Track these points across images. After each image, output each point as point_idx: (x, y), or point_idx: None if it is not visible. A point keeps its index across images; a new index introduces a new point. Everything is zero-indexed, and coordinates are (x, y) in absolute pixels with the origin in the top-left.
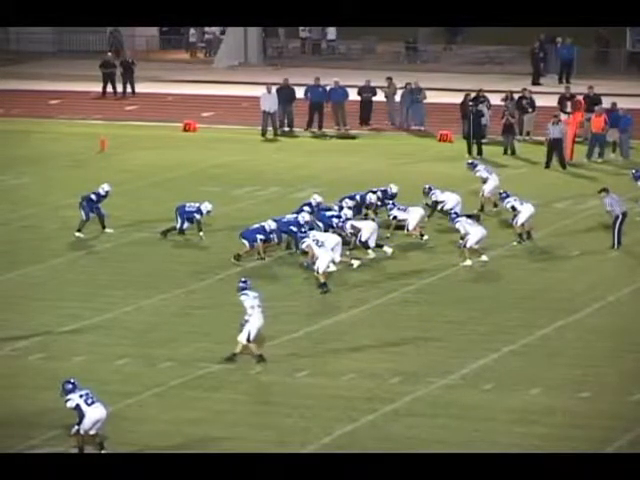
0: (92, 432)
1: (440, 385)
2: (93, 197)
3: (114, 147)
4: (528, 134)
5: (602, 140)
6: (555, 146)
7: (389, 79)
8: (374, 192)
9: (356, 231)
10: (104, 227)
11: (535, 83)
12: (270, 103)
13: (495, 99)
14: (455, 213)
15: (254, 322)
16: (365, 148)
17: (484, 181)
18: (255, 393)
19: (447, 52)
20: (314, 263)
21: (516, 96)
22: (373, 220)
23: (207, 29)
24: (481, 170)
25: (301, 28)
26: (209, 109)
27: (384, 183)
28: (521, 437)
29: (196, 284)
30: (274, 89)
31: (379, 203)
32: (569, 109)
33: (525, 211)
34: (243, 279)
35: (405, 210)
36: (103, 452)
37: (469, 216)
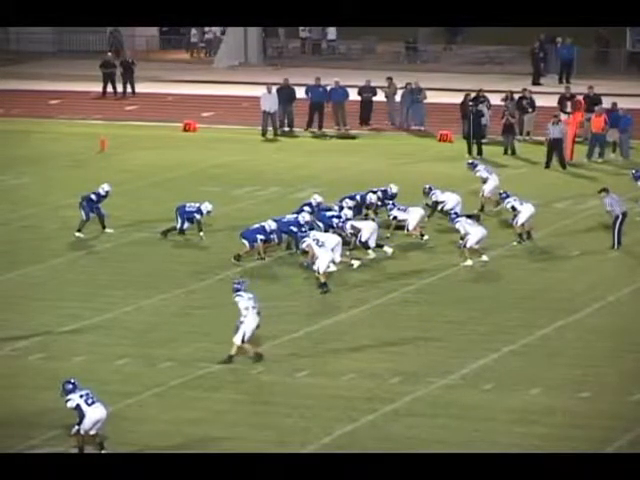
0: (92, 432)
1: (440, 385)
2: (93, 197)
3: (114, 147)
4: (528, 134)
5: (602, 140)
6: (555, 146)
7: (389, 79)
8: (374, 192)
9: (356, 231)
10: (104, 227)
11: (535, 83)
12: (270, 103)
13: (495, 99)
14: (455, 213)
15: (249, 323)
16: (365, 148)
17: (484, 181)
18: (255, 393)
19: (447, 52)
20: (314, 263)
21: (516, 96)
22: (373, 220)
23: (207, 29)
24: (481, 170)
25: (301, 28)
26: (209, 109)
27: (384, 183)
28: (521, 437)
29: (196, 284)
30: (274, 89)
31: (379, 203)
32: (569, 109)
33: (525, 211)
34: (238, 280)
35: (405, 210)
36: (103, 452)
37: (469, 216)
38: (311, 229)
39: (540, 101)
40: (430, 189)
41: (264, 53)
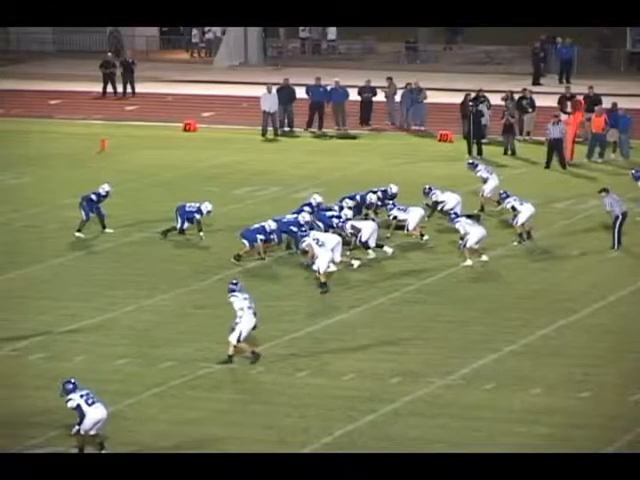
0: (92, 432)
1: (440, 385)
2: (93, 197)
3: (114, 147)
4: (528, 134)
5: (602, 140)
6: (555, 146)
7: (389, 79)
8: (374, 192)
9: (356, 231)
10: (104, 227)
11: (535, 83)
12: (270, 103)
13: (495, 99)
14: (455, 213)
15: (245, 323)
16: (365, 148)
17: (484, 181)
18: (255, 393)
19: (447, 52)
20: (314, 263)
21: (516, 96)
22: (373, 220)
23: (207, 29)
24: (482, 170)
25: (301, 28)
26: (209, 109)
27: (384, 183)
28: (521, 437)
29: (196, 284)
30: (274, 89)
31: (379, 203)
32: (569, 109)
33: (525, 211)
34: (234, 280)
35: (405, 210)
36: (103, 452)
37: (469, 216)
38: (311, 229)
39: (540, 101)
40: (430, 189)
41: (264, 53)
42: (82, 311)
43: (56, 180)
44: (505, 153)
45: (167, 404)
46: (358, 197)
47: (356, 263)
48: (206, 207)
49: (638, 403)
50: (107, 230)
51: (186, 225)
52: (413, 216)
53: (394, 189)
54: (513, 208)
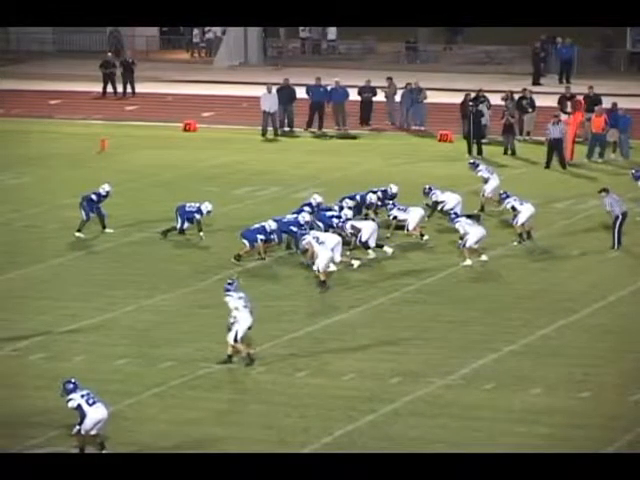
0: (93, 432)
1: (440, 385)
2: (94, 197)
3: (114, 147)
4: (528, 134)
5: (602, 140)
6: (555, 146)
7: (389, 79)
8: (374, 192)
9: (356, 231)
10: (104, 227)
11: (535, 83)
12: (270, 103)
13: (495, 99)
14: (455, 213)
15: (242, 323)
16: (365, 148)
17: (485, 181)
18: (255, 393)
19: (447, 52)
20: (314, 262)
21: (516, 96)
22: (373, 220)
23: (207, 29)
24: (483, 170)
25: (301, 28)
26: (209, 109)
27: (384, 183)
28: (521, 437)
29: (196, 284)
30: (274, 89)
31: (379, 203)
32: (569, 109)
33: (525, 211)
34: (229, 280)
35: (405, 210)
36: (103, 452)
37: (469, 216)
38: (311, 229)
39: (540, 101)
40: (430, 189)
41: (264, 53)
42: (82, 311)
43: (56, 180)
44: (505, 153)
45: (167, 404)
46: (358, 197)
47: (356, 263)
48: (206, 207)
49: (638, 403)
50: (107, 230)
51: (186, 225)
52: (413, 216)
53: (394, 189)
54: (513, 208)
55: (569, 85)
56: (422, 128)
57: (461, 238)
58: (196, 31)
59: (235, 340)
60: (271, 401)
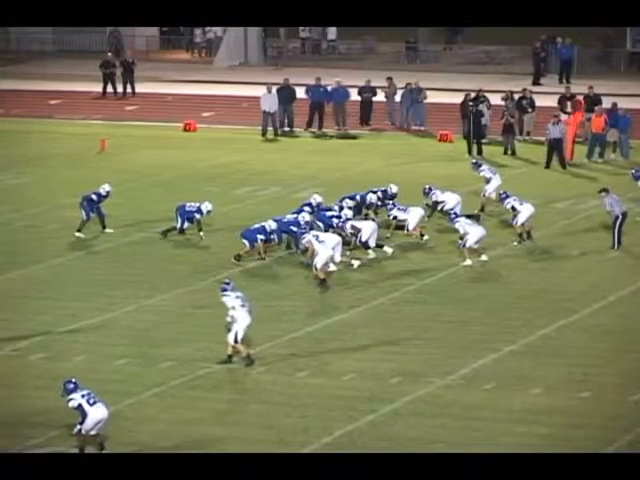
0: (93, 432)
1: (440, 385)
2: (94, 197)
3: (114, 147)
4: (528, 134)
5: (602, 140)
6: (555, 146)
7: (389, 79)
8: (374, 192)
9: (356, 231)
10: (104, 227)
11: (535, 83)
12: (270, 103)
13: (495, 99)
14: (454, 213)
15: (240, 322)
16: (365, 148)
17: (487, 181)
18: (255, 393)
19: (447, 52)
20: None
21: (516, 96)
22: (373, 220)
23: (208, 29)
24: (485, 170)
25: (301, 28)
26: (209, 109)
27: (384, 183)
28: (521, 437)
29: (196, 284)
30: (274, 89)
31: (379, 203)
32: (569, 109)
33: (525, 211)
34: (227, 280)
35: (405, 210)
36: (103, 452)
37: (469, 216)
38: (311, 229)
39: (540, 101)
40: (430, 189)
41: (264, 53)
42: (82, 311)
43: (56, 180)
44: (505, 153)
45: (167, 404)
46: (358, 197)
47: (356, 263)
48: (206, 207)
49: (638, 403)
50: (107, 230)
51: (186, 225)
52: (413, 216)
53: (394, 189)
54: (513, 208)
55: (569, 85)
56: (422, 128)
57: (461, 238)
58: (198, 31)
59: (235, 341)
60: (271, 401)
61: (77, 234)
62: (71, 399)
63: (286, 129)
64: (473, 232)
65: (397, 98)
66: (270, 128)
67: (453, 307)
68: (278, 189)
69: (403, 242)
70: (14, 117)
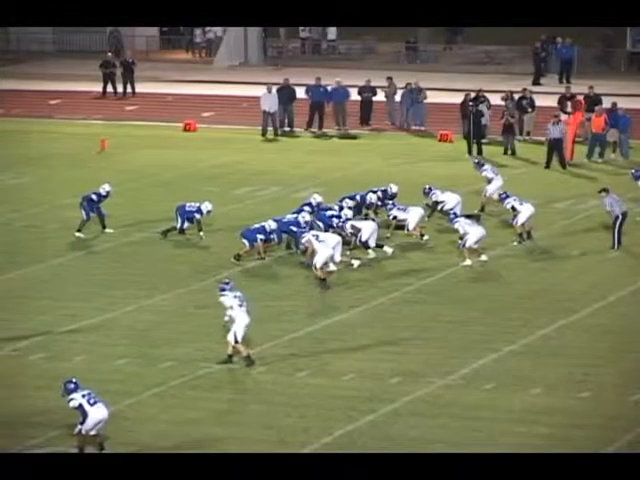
0: (93, 432)
1: (440, 385)
2: (94, 197)
3: (114, 147)
4: (528, 134)
5: (602, 140)
6: (555, 146)
7: (389, 79)
8: (374, 192)
9: (356, 231)
10: (104, 227)
11: (535, 83)
12: (270, 103)
13: (495, 99)
14: (454, 213)
15: (239, 322)
16: (365, 148)
17: (489, 181)
18: (255, 393)
19: (447, 52)
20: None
21: (516, 96)
22: (373, 220)
23: (208, 29)
24: (487, 170)
25: (301, 28)
26: (209, 109)
27: (384, 183)
28: (521, 437)
29: (196, 284)
30: (274, 89)
31: (379, 203)
32: (569, 109)
33: (525, 211)
34: (225, 280)
35: (405, 210)
36: (103, 452)
37: (468, 216)
38: (311, 229)
39: (540, 101)
40: (430, 189)
41: (264, 53)
42: (82, 311)
43: (56, 180)
44: (505, 153)
45: (167, 404)
46: (358, 197)
47: (356, 263)
48: (206, 207)
49: (638, 403)
50: (107, 230)
51: (186, 225)
52: (413, 216)
53: (394, 189)
54: (513, 208)
55: (569, 85)
56: (422, 128)
57: (461, 238)
58: (198, 31)
59: (236, 341)
60: (271, 401)
61: (77, 234)
62: (72, 399)
63: (286, 129)
64: (473, 232)
65: (397, 98)
66: (270, 128)
67: (453, 307)
68: (278, 189)
69: (403, 242)
70: (14, 117)
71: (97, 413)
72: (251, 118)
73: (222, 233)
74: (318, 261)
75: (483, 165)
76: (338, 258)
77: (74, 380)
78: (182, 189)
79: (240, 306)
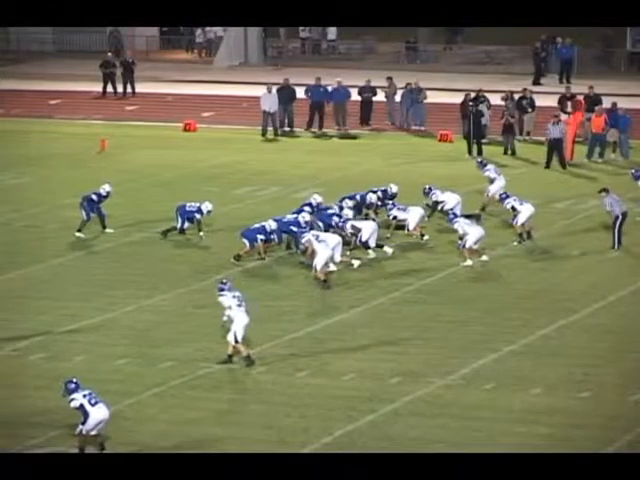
0: (94, 432)
1: (440, 385)
2: (94, 197)
3: (114, 147)
4: (528, 134)
5: (602, 140)
6: (555, 146)
7: (389, 79)
8: (374, 192)
9: (356, 231)
10: (104, 227)
11: (535, 83)
12: (270, 103)
13: (495, 99)
14: (454, 214)
15: (238, 322)
16: (365, 148)
17: (491, 181)
18: (255, 393)
19: (447, 52)
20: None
21: (516, 96)
22: (373, 220)
23: (208, 29)
24: (490, 170)
25: (301, 28)
26: (209, 109)
27: (384, 183)
28: (521, 437)
29: (196, 284)
30: (274, 89)
31: (379, 203)
32: (569, 109)
33: (525, 211)
34: (224, 280)
35: (405, 210)
36: (103, 452)
37: (468, 216)
38: (311, 229)
39: (540, 101)
40: (430, 189)
41: (264, 53)
42: (82, 311)
43: (56, 180)
44: (505, 153)
45: (167, 404)
46: (358, 197)
47: (356, 263)
48: (206, 207)
49: (638, 403)
50: (107, 230)
51: (186, 225)
52: (413, 216)
53: (394, 189)
54: (513, 208)
55: (569, 85)
56: (422, 128)
57: (460, 238)
58: (198, 31)
59: (236, 341)
60: (271, 401)
61: (77, 234)
62: (73, 399)
63: (286, 129)
64: (472, 232)
65: (397, 98)
66: (270, 128)
67: (453, 307)
68: (278, 189)
69: (403, 242)
70: (14, 117)
71: (98, 413)
72: (251, 118)
73: (222, 233)
74: (318, 263)
75: (486, 165)
76: (338, 258)
77: (75, 380)
78: (182, 189)
79: (239, 306)
